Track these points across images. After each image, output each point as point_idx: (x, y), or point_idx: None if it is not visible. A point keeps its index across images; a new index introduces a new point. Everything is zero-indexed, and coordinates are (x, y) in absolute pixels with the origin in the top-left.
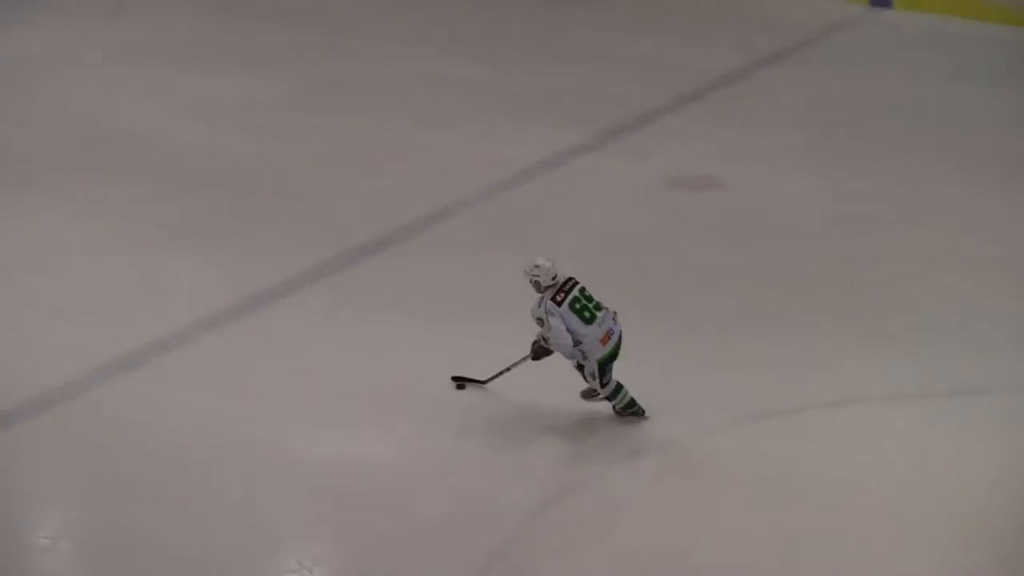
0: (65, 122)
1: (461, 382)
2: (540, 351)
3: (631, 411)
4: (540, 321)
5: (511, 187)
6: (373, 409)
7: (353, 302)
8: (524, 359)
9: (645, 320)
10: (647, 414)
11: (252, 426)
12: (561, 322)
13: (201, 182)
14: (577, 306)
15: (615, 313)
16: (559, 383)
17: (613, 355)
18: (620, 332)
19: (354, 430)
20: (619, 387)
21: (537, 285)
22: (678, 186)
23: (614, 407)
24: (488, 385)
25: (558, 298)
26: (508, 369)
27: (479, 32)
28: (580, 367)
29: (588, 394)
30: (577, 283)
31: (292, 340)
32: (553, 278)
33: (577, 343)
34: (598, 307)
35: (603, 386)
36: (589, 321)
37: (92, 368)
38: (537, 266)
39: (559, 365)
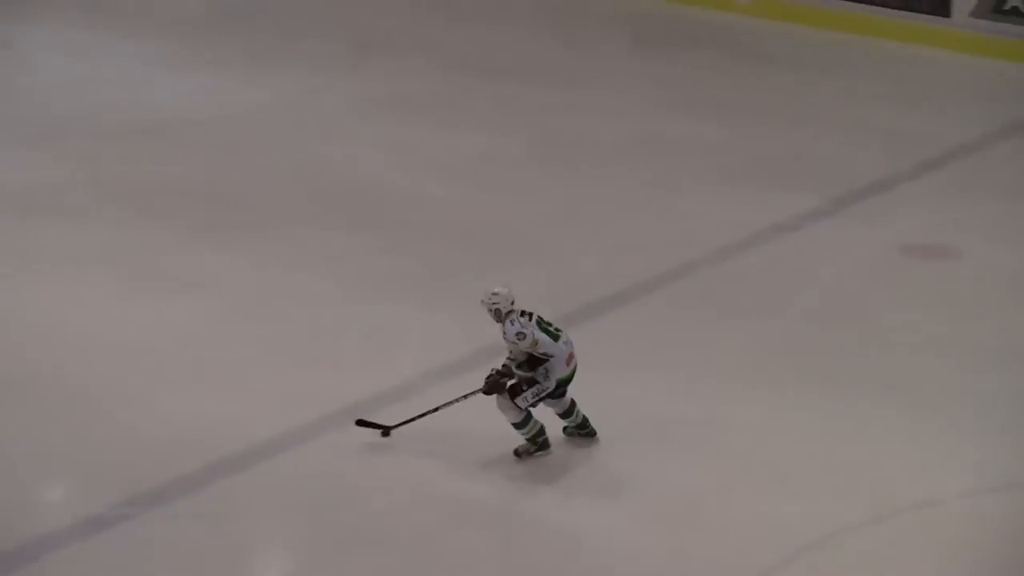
0: (302, 173)
1: (383, 429)
2: (494, 385)
3: (536, 447)
4: (521, 336)
5: (744, 250)
6: (599, 469)
7: (582, 359)
8: (474, 392)
9: (878, 388)
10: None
11: (476, 485)
12: (539, 332)
13: (435, 235)
14: (542, 326)
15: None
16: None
17: (570, 377)
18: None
19: (588, 492)
20: (535, 422)
21: (498, 313)
22: (914, 254)
23: (524, 435)
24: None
25: (525, 316)
26: (448, 404)
27: (718, 95)
28: (526, 418)
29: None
30: (535, 313)
31: None
32: (512, 303)
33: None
34: (558, 329)
35: (526, 413)
36: (556, 339)
37: (321, 416)
38: (496, 293)
39: None
